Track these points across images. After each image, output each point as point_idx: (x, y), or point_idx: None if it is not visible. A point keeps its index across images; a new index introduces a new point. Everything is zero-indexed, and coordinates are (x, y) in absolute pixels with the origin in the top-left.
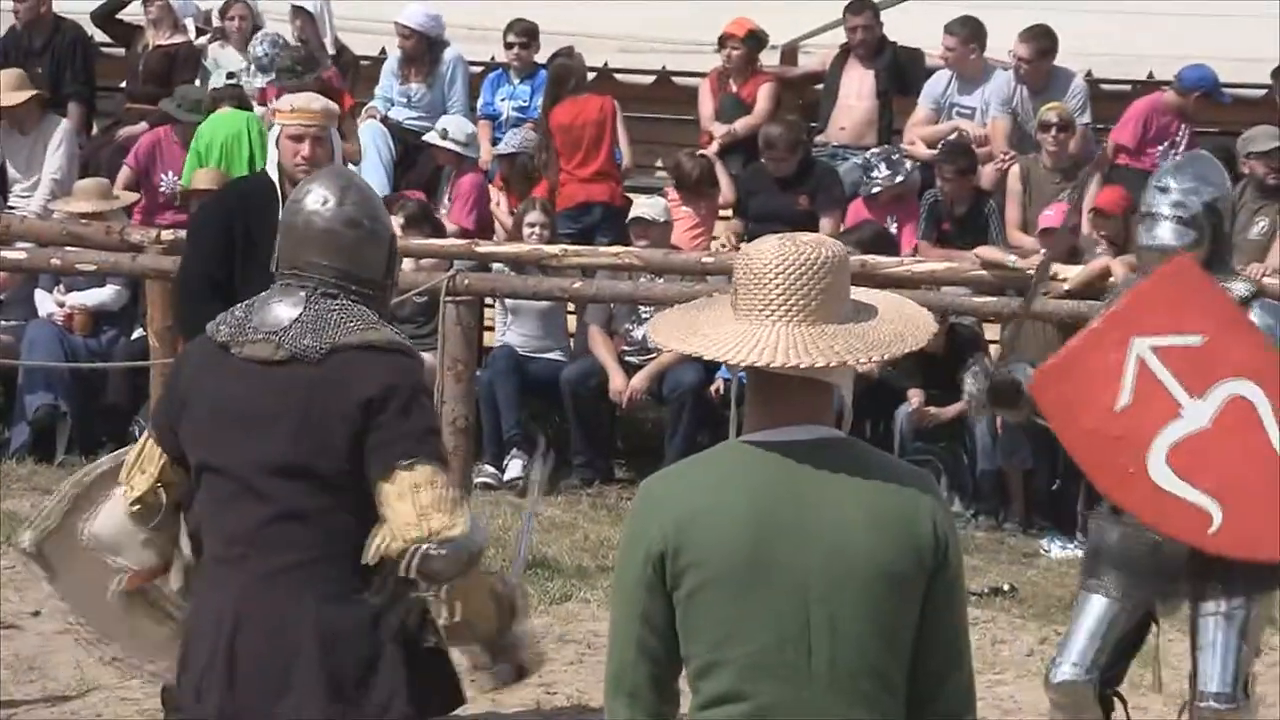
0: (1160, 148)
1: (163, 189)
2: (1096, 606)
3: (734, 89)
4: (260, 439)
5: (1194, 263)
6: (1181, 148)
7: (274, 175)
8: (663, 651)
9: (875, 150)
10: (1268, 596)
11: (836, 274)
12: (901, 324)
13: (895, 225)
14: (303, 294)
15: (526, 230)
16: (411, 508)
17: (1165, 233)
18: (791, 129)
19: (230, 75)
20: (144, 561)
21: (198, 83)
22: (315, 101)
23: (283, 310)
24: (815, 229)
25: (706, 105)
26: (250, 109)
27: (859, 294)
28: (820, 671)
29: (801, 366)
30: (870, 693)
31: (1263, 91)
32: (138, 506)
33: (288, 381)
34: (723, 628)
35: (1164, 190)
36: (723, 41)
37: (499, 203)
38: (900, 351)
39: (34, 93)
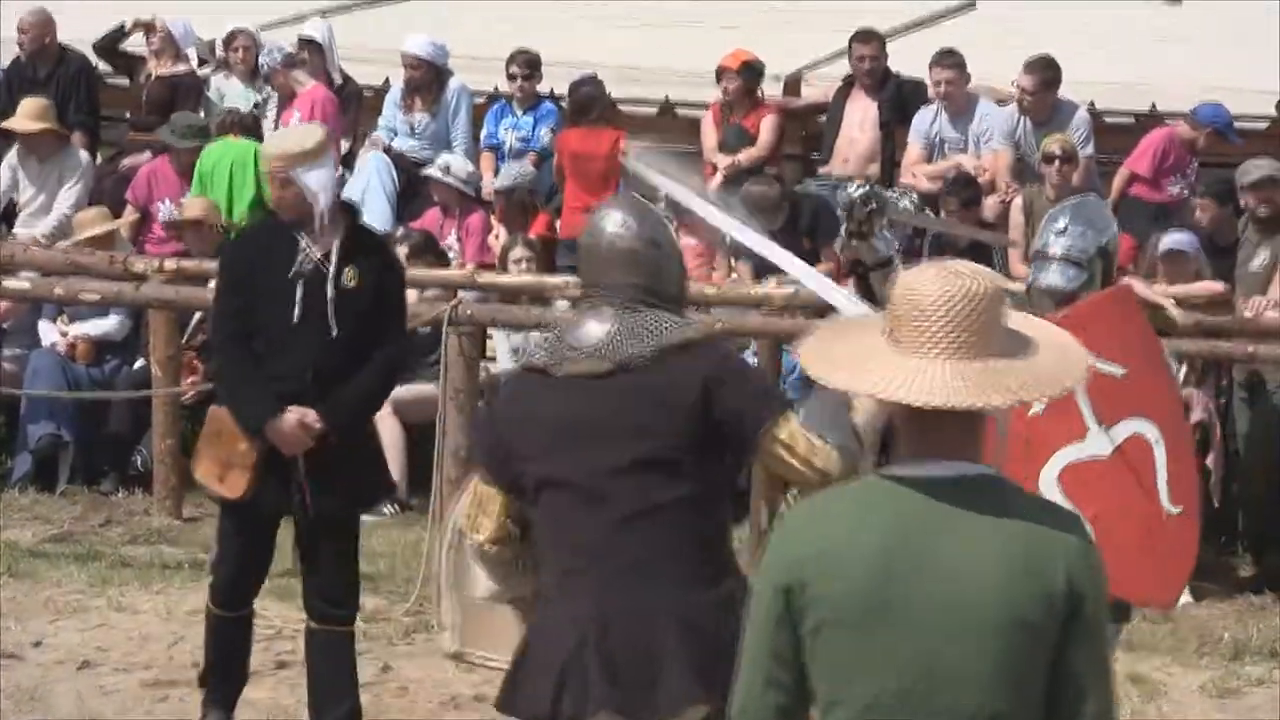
0: (1173, 179)
1: (161, 218)
2: None
3: (737, 120)
4: (602, 446)
5: (1133, 294)
6: (1192, 180)
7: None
8: (791, 683)
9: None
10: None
11: (996, 305)
12: (1059, 353)
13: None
14: (610, 310)
15: (513, 266)
16: (797, 463)
17: (1055, 276)
18: (770, 186)
19: (231, 107)
20: (525, 589)
21: (201, 113)
22: (284, 142)
23: (596, 327)
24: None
25: (710, 137)
26: (260, 138)
27: (1010, 321)
28: (940, 715)
29: (976, 407)
30: None
31: (1265, 124)
32: (496, 547)
33: (619, 389)
34: (843, 667)
35: (1059, 233)
36: (719, 74)
37: (498, 235)
38: (1067, 388)
39: (48, 126)
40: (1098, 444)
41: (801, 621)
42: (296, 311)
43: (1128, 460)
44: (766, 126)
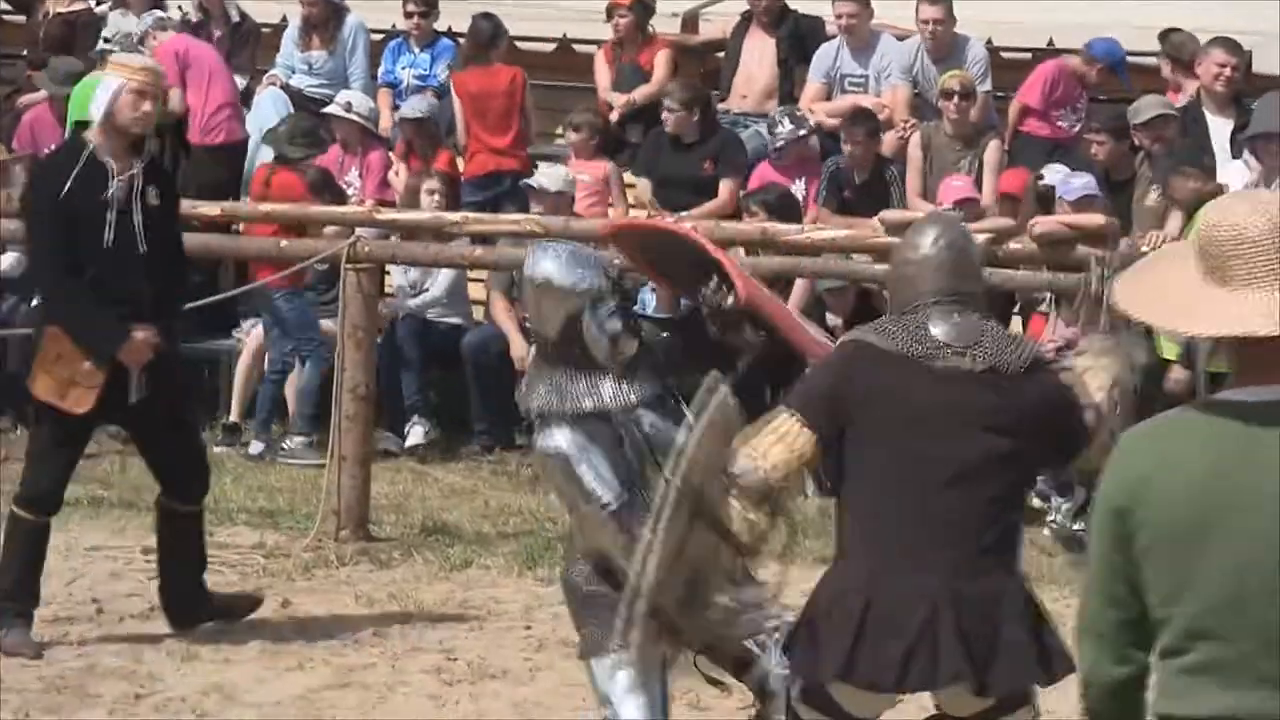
0: (1063, 111)
1: None
2: None
3: (629, 58)
4: (971, 436)
5: None
6: (1082, 115)
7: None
8: (1130, 600)
9: (779, 109)
10: None
11: None
12: None
13: (803, 187)
14: (960, 315)
15: (425, 199)
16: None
17: None
18: (690, 88)
19: (107, 40)
20: (764, 542)
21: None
22: (144, 59)
23: (964, 329)
24: (716, 193)
25: (604, 76)
26: None
27: None
28: (1254, 633)
29: None
30: None
31: (1154, 60)
32: (779, 479)
33: (993, 388)
34: (1169, 586)
35: None
36: (610, 11)
37: (397, 171)
38: None
39: None
40: None
41: (1134, 542)
42: (109, 235)
43: None
44: (660, 62)
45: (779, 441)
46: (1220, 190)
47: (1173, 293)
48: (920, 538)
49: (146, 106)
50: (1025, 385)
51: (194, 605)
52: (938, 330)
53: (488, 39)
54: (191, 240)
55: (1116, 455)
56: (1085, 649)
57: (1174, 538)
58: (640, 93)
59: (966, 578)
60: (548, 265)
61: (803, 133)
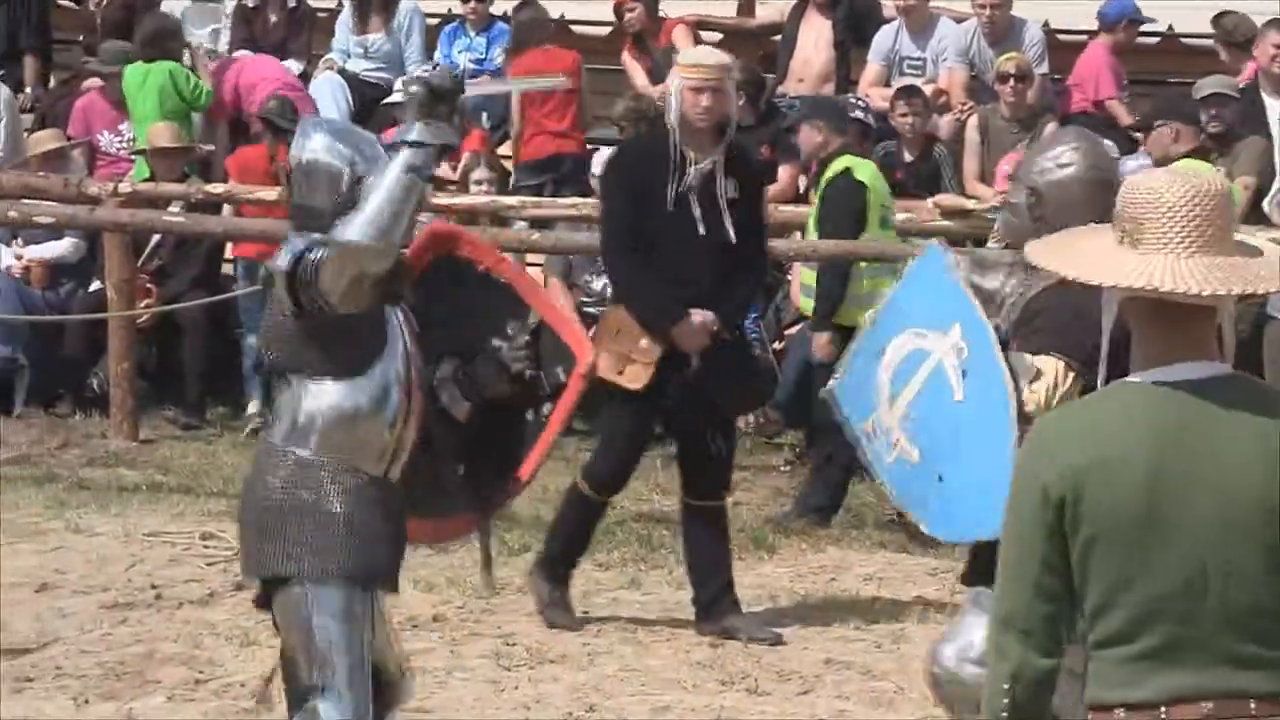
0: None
1: (103, 148)
2: None
3: (655, 47)
4: None
5: None
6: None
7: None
8: (1061, 591)
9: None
10: None
11: (1231, 203)
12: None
13: None
14: None
15: (474, 187)
16: None
17: None
18: (741, 71)
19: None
20: None
21: None
22: (711, 56)
23: None
24: (775, 178)
25: (638, 76)
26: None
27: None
28: (1213, 612)
29: (1235, 294)
30: (1266, 629)
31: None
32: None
33: None
34: (1116, 575)
35: None
36: (619, 12)
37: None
38: None
39: None
40: None
41: (1075, 531)
42: (700, 223)
43: None
44: (679, 36)
45: (1056, 393)
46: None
47: (1086, 252)
48: None
49: (705, 101)
50: None
51: (720, 610)
52: None
53: (528, 32)
54: (245, 225)
55: (1039, 440)
56: (1010, 644)
57: (1122, 527)
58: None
59: None
60: None
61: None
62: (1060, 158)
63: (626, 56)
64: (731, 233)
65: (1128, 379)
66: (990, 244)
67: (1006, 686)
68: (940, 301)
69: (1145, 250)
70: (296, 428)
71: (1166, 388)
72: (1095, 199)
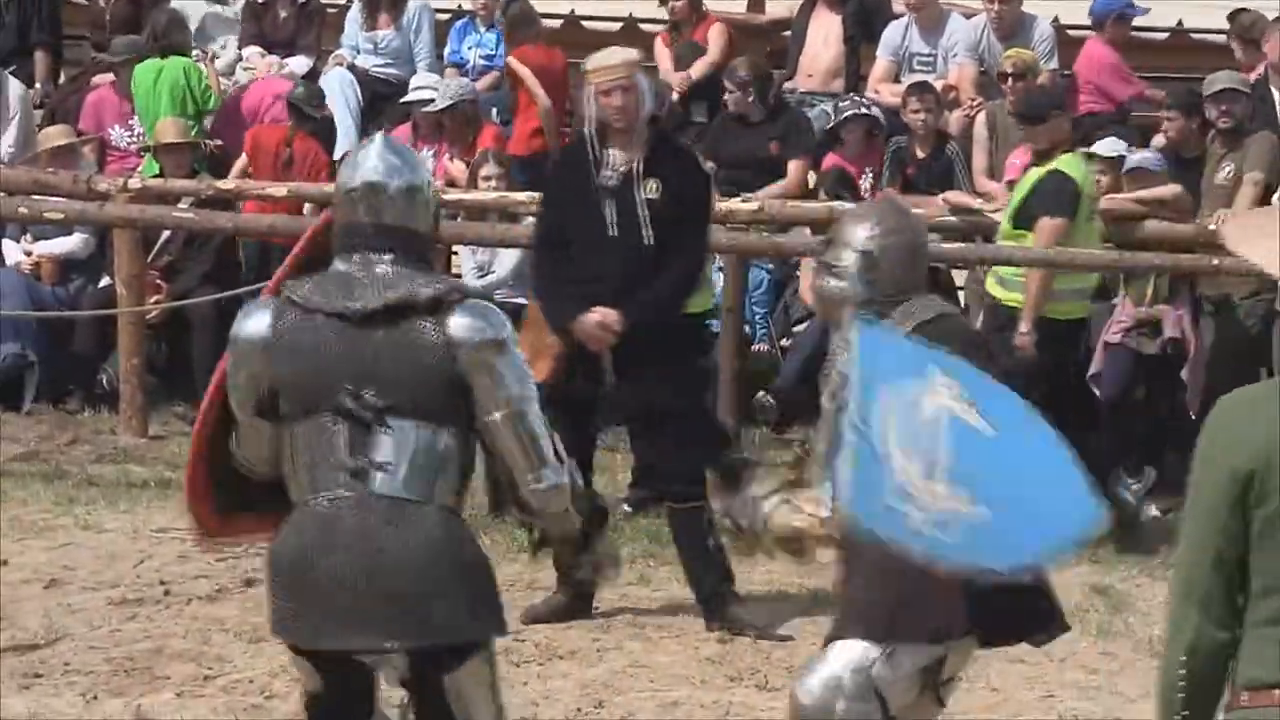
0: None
1: (114, 143)
2: None
3: (686, 38)
4: None
5: None
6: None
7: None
8: (1236, 565)
9: (844, 99)
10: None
11: None
12: None
13: (870, 178)
14: None
15: (482, 183)
16: None
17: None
18: (749, 66)
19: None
20: None
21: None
22: (614, 56)
23: None
24: (783, 174)
25: (664, 61)
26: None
27: None
28: None
29: None
30: None
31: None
32: None
33: None
34: None
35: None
36: None
37: (451, 157)
38: None
39: None
40: None
41: (1261, 504)
42: (612, 223)
43: None
44: (715, 35)
45: None
46: None
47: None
48: None
49: (616, 101)
50: None
51: (721, 601)
52: None
53: (515, 25)
54: (253, 221)
55: (1222, 418)
56: (1189, 614)
57: None
58: (698, 68)
59: None
60: None
61: (864, 110)
62: (886, 222)
63: (659, 43)
64: (648, 232)
65: None
66: (997, 241)
67: (1184, 658)
68: (900, 355)
69: None
70: (431, 477)
71: None
72: (921, 260)
